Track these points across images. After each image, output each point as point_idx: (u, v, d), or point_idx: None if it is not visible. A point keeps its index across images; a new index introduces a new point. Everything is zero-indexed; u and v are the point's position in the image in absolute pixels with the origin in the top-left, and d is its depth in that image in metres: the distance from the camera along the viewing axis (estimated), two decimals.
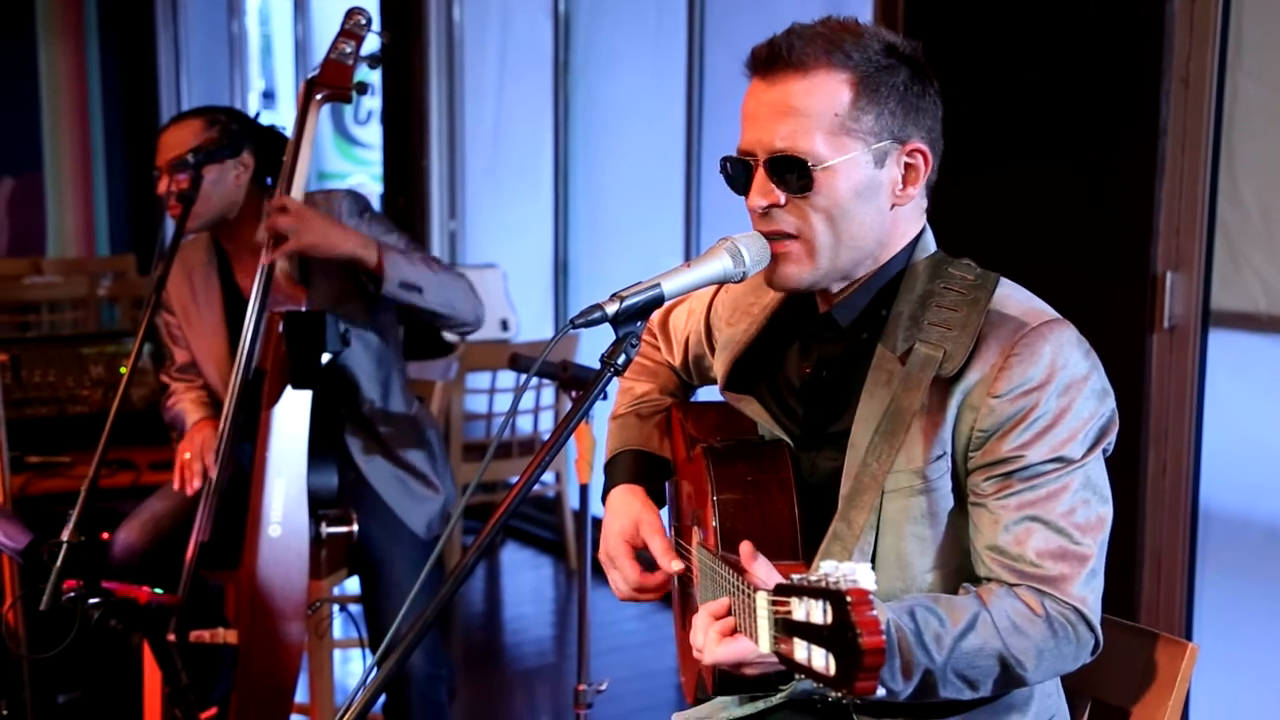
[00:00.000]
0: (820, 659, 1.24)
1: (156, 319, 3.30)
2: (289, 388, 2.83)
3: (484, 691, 4.24)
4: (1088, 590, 1.62)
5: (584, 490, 2.99)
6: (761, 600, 1.37)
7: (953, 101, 1.76)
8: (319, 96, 2.93)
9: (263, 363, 2.89)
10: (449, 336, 5.92)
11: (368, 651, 3.20)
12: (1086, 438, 1.62)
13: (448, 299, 3.01)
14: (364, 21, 2.95)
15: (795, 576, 1.30)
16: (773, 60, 1.65)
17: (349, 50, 2.93)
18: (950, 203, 1.79)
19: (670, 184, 5.28)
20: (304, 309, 2.90)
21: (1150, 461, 3.22)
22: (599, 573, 2.01)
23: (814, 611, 1.25)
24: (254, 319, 2.89)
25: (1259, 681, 3.24)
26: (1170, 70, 3.12)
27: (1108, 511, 1.64)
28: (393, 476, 3.13)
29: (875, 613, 1.20)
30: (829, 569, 1.25)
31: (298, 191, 2.90)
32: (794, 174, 1.64)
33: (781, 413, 1.80)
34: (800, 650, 1.28)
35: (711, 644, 1.51)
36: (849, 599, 1.20)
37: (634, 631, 4.66)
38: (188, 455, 2.99)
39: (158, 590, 2.73)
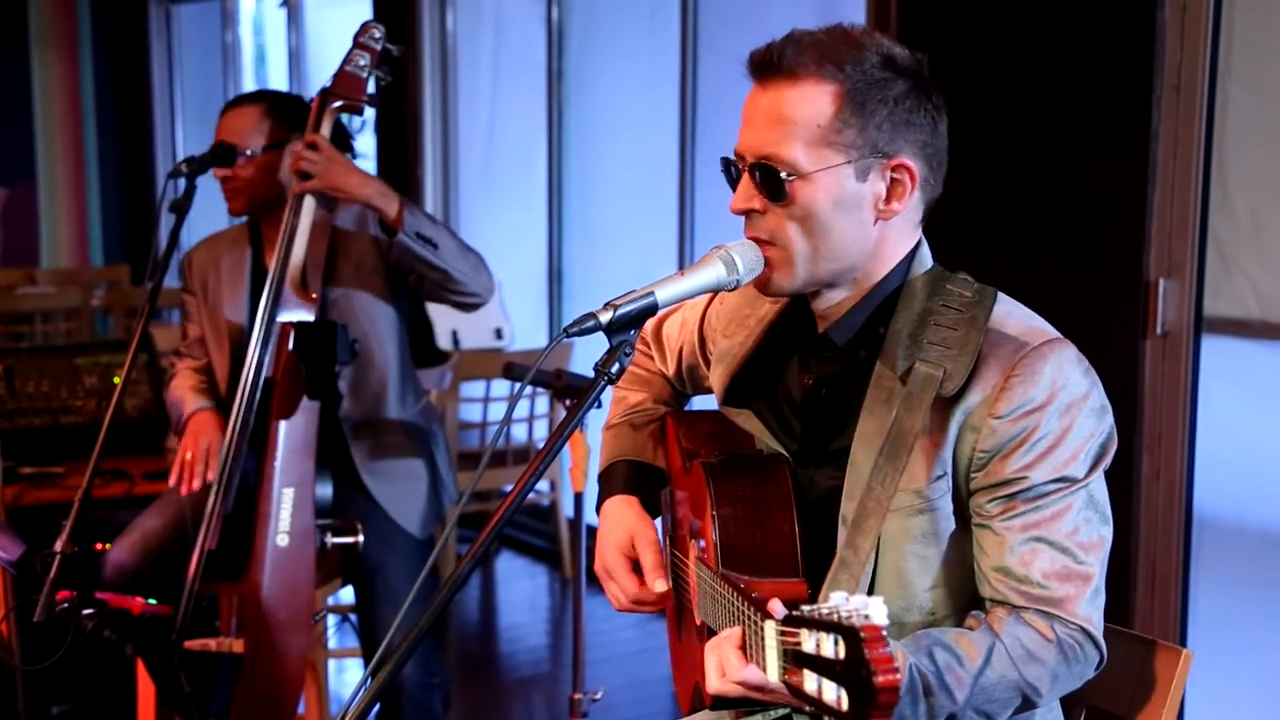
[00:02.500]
0: (831, 693, 1.24)
1: (151, 327, 3.31)
2: (304, 398, 2.84)
3: (479, 701, 4.23)
4: (1092, 609, 1.63)
5: (578, 499, 2.99)
6: (770, 629, 1.36)
7: (947, 108, 1.76)
8: (334, 106, 2.97)
9: (272, 373, 2.90)
10: (444, 344, 5.92)
11: (364, 661, 3.20)
12: (1088, 456, 1.62)
13: (460, 264, 3.03)
14: (377, 35, 3.00)
15: (805, 608, 1.29)
16: (766, 66, 1.65)
17: (363, 63, 2.99)
18: (942, 209, 1.79)
19: (664, 192, 5.28)
20: (314, 320, 2.92)
21: (1144, 468, 3.22)
22: (594, 581, 2.01)
23: (824, 644, 1.24)
24: (277, 275, 2.91)
25: (1254, 687, 3.24)
26: (1161, 77, 3.13)
27: (1108, 531, 1.65)
28: (395, 476, 3.14)
29: (889, 649, 1.20)
30: (839, 601, 1.24)
31: (308, 203, 2.94)
32: (772, 182, 1.64)
33: (780, 428, 1.80)
34: (810, 682, 1.27)
35: (732, 668, 1.50)
36: (863, 635, 1.20)
37: (629, 640, 4.65)
38: (189, 455, 2.98)
39: (151, 601, 2.73)
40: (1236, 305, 3.15)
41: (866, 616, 1.22)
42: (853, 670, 1.21)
